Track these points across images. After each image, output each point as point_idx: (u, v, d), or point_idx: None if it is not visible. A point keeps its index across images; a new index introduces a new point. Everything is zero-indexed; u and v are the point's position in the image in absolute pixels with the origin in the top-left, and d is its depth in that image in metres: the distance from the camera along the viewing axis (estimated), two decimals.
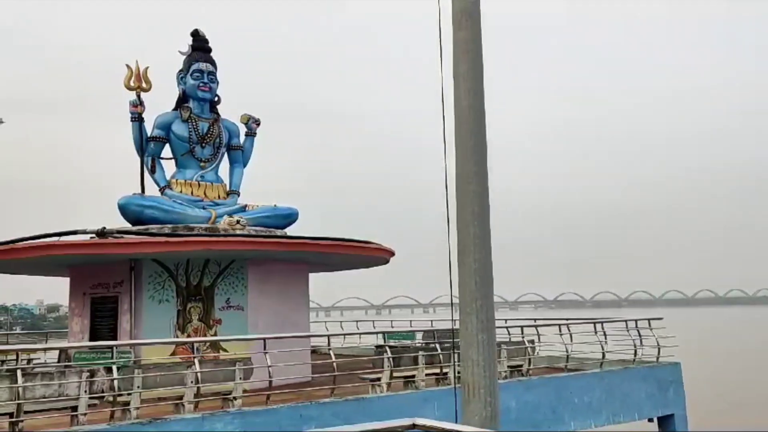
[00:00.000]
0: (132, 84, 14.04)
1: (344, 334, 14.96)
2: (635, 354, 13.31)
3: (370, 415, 9.51)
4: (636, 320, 13.72)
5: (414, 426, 2.80)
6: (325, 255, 13.70)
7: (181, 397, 8.35)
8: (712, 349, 55.66)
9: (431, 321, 18.83)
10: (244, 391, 8.92)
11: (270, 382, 9.16)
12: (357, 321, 21.28)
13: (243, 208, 14.52)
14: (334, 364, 9.70)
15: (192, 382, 8.31)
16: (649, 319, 13.76)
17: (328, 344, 10.19)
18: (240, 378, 8.68)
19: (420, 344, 14.09)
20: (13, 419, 7.28)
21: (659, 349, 13.56)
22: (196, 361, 8.63)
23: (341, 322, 22.71)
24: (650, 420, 13.44)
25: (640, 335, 13.49)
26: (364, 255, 14.26)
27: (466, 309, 5.71)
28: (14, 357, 13.33)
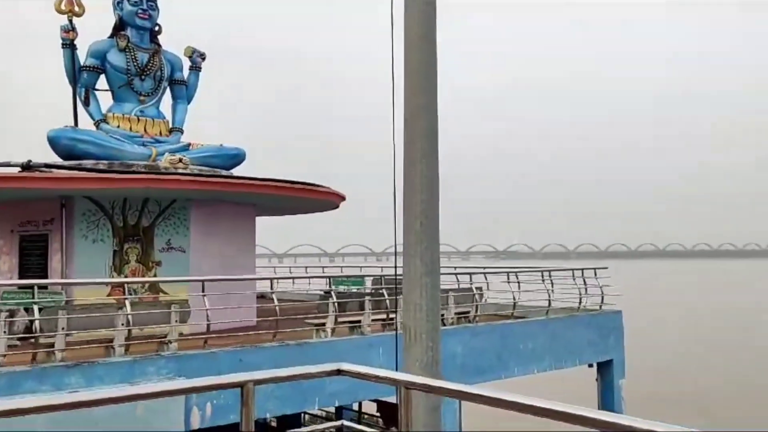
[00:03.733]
0: (63, 7, 12.95)
1: (291, 278, 14.65)
2: (580, 302, 13.47)
3: (313, 359, 9.31)
4: (582, 269, 13.84)
5: (339, 372, 2.50)
6: (273, 197, 13.23)
7: (111, 340, 7.93)
8: (651, 298, 57.97)
9: (381, 267, 18.71)
10: (181, 334, 8.55)
11: (208, 326, 8.80)
12: (306, 267, 21.03)
13: (186, 147, 13.81)
14: (277, 308, 9.40)
15: (123, 324, 7.88)
16: (595, 268, 13.92)
17: (271, 288, 9.85)
18: (176, 321, 8.29)
19: (369, 290, 13.95)
20: None
21: (603, 297, 13.76)
22: (127, 302, 8.18)
23: (290, 267, 22.41)
24: (590, 365, 13.71)
25: (585, 284, 13.63)
26: (313, 198, 13.84)
27: (410, 251, 5.42)
28: None
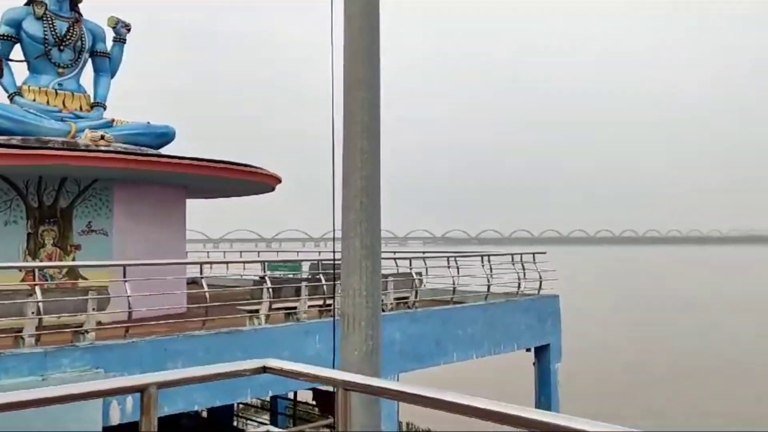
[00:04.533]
0: None
1: (223, 262, 14.00)
2: (519, 287, 13.44)
3: (246, 348, 8.85)
4: (521, 254, 13.81)
5: (265, 369, 2.12)
6: (204, 178, 12.54)
7: (20, 330, 7.22)
8: (584, 282, 59.78)
9: (319, 252, 18.27)
10: (100, 323, 7.90)
11: (130, 314, 8.17)
12: (241, 252, 20.36)
13: (110, 123, 12.94)
14: (207, 294, 8.85)
15: (33, 312, 7.19)
16: (533, 253, 13.92)
17: (201, 273, 9.26)
18: (93, 309, 7.64)
19: (306, 275, 13.52)
20: None
21: (541, 282, 13.79)
22: (37, 288, 7.47)
23: (224, 252, 21.66)
24: (528, 350, 13.74)
25: (524, 269, 13.61)
26: (247, 180, 13.22)
27: (349, 233, 5.04)
28: None
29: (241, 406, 16.12)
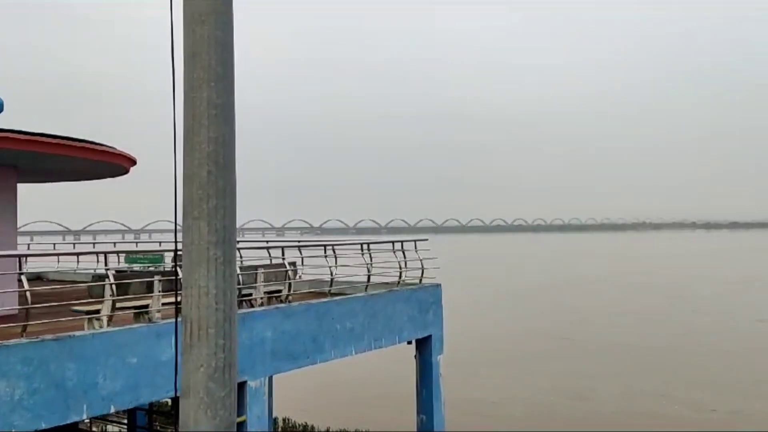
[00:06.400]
0: None
1: (76, 254, 12.00)
2: (400, 276, 12.71)
3: (82, 357, 7.32)
4: (402, 241, 13.10)
5: None
6: (37, 156, 10.61)
7: None
8: (461, 270, 61.27)
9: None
10: None
11: None
12: (94, 243, 18.12)
13: None
14: (28, 294, 7.19)
15: None
16: (415, 241, 13.27)
17: (20, 268, 7.49)
18: None
19: (171, 267, 11.97)
20: None
21: (423, 270, 13.16)
22: None
23: (74, 244, 19.23)
24: (409, 342, 13.08)
25: (405, 257, 12.91)
26: (93, 160, 11.38)
27: (192, 212, 3.83)
28: None
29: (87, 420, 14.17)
